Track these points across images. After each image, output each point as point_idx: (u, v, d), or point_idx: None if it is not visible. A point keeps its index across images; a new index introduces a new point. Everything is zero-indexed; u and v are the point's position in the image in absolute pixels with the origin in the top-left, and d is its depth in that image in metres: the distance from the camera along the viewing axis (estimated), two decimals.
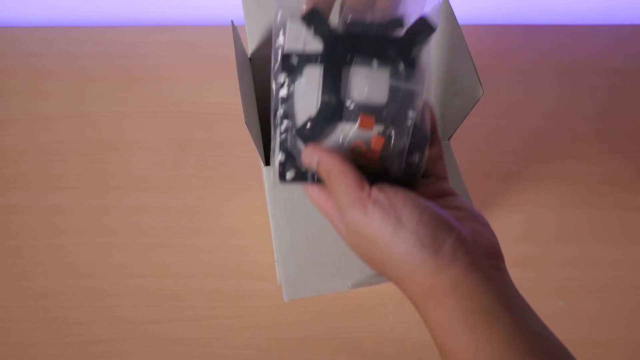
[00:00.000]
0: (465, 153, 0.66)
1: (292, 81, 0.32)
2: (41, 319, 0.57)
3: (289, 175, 0.34)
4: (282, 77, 0.33)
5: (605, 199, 0.65)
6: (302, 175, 0.34)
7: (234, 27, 0.44)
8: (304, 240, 0.42)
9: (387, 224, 0.29)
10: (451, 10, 0.43)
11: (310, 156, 0.32)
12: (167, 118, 0.70)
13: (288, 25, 0.32)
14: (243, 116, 0.37)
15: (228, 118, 0.69)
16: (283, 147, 0.33)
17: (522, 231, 0.63)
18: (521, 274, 0.61)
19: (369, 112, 0.32)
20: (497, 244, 0.31)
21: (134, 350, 0.56)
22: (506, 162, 0.67)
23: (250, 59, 0.51)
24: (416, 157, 0.33)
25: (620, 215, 0.64)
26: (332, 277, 0.40)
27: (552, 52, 0.76)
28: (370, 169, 0.33)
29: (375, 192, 0.30)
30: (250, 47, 0.50)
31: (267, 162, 0.45)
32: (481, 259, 0.29)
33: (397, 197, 0.30)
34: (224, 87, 0.71)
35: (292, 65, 0.32)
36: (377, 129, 0.32)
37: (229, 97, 0.70)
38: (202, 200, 0.64)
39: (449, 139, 0.46)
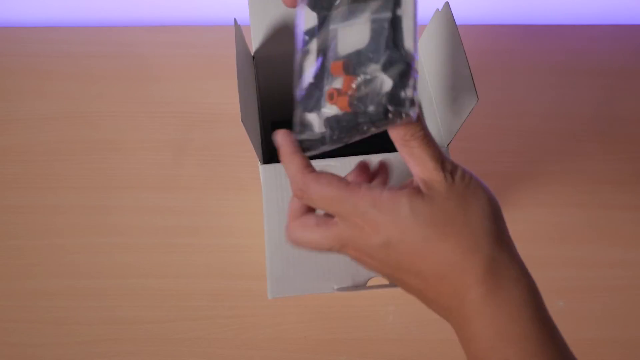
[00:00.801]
0: (465, 153, 0.66)
1: (304, 58, 0.34)
2: (41, 319, 0.57)
3: (305, 141, 0.33)
4: (297, 57, 0.34)
5: (605, 199, 0.65)
6: (319, 141, 0.32)
7: (236, 25, 0.44)
8: None
9: (484, 195, 0.31)
10: (451, 15, 0.43)
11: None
12: (167, 118, 0.70)
13: (301, 11, 0.34)
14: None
15: (228, 118, 0.69)
16: (297, 117, 0.33)
17: (522, 231, 0.63)
18: None
19: (348, 58, 0.30)
20: None
21: (134, 350, 0.56)
22: (506, 162, 0.67)
23: (253, 57, 0.51)
24: (406, 90, 0.28)
25: (620, 215, 0.64)
26: (318, 278, 0.41)
27: (552, 52, 0.76)
28: (348, 116, 0.30)
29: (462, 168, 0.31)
30: (254, 45, 0.50)
31: (264, 160, 0.45)
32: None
33: (478, 181, 0.32)
34: (224, 87, 0.71)
35: (305, 41, 0.34)
36: (351, 71, 0.30)
37: (229, 97, 0.70)
38: (202, 200, 0.64)
39: (448, 145, 0.46)
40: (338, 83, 0.31)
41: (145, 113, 0.70)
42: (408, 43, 0.29)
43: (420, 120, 0.30)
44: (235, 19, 0.45)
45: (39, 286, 0.59)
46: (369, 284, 0.41)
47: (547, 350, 0.29)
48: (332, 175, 0.31)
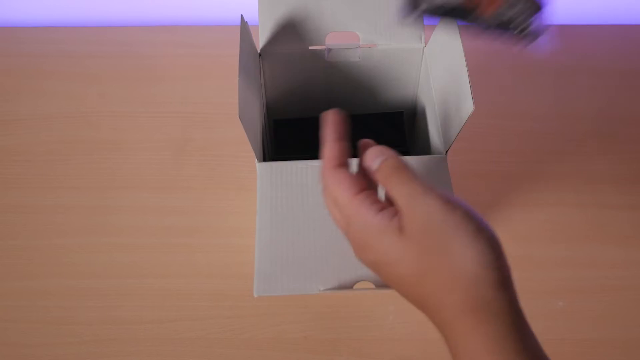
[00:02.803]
0: (465, 153, 0.67)
1: None
2: (41, 319, 0.57)
3: (424, 5, 0.34)
4: None
5: (605, 199, 0.65)
6: (436, 9, 0.35)
7: (243, 21, 0.44)
8: (283, 239, 0.42)
9: (471, 221, 0.29)
10: (456, 21, 0.43)
11: (376, 156, 0.33)
12: (167, 118, 0.70)
13: None
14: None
15: (228, 118, 0.69)
16: None
17: (522, 231, 0.63)
18: (521, 274, 0.61)
19: None
20: None
21: (134, 350, 0.56)
22: (506, 162, 0.67)
23: (260, 55, 0.51)
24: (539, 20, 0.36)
25: (620, 215, 0.64)
26: (305, 279, 0.41)
27: (552, 52, 0.76)
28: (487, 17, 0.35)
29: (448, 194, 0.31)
30: (261, 42, 0.50)
31: (262, 158, 0.46)
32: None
33: (469, 206, 0.31)
34: (224, 87, 0.71)
35: None
36: None
37: (229, 97, 0.70)
38: (202, 200, 0.64)
39: (446, 152, 0.46)
40: None
41: (145, 113, 0.70)
42: None
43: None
44: (242, 15, 0.45)
45: (39, 286, 0.59)
46: (356, 287, 0.41)
47: None
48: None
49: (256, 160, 0.45)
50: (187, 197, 0.64)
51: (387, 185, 0.32)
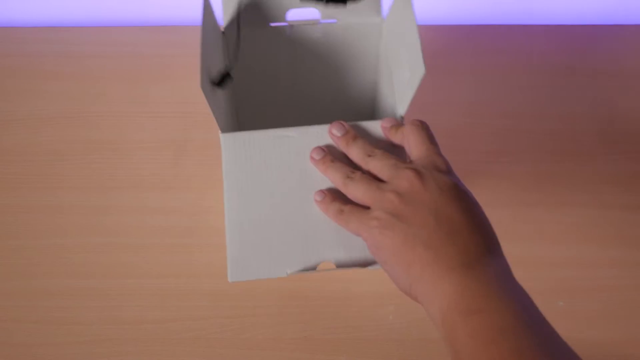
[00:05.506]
0: (462, 153, 0.67)
1: None
2: (41, 319, 0.57)
3: None
4: None
5: (605, 199, 0.65)
6: None
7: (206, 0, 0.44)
8: (251, 222, 0.43)
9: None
10: None
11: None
12: (167, 118, 0.70)
13: None
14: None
15: None
16: None
17: (522, 231, 0.63)
18: (521, 274, 0.61)
19: None
20: None
21: (134, 350, 0.56)
22: (504, 162, 0.67)
23: (223, 33, 0.51)
24: None
25: (620, 215, 0.64)
26: (273, 262, 0.42)
27: (550, 52, 0.76)
28: None
29: None
30: (225, 19, 0.50)
31: (224, 129, 0.46)
32: None
33: None
34: None
35: None
36: None
37: None
38: (202, 200, 0.64)
39: (402, 117, 0.47)
40: None
41: (145, 113, 0.70)
42: None
43: None
44: None
45: (39, 286, 0.59)
46: (319, 268, 0.43)
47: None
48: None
49: (219, 131, 0.45)
50: (187, 197, 0.64)
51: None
